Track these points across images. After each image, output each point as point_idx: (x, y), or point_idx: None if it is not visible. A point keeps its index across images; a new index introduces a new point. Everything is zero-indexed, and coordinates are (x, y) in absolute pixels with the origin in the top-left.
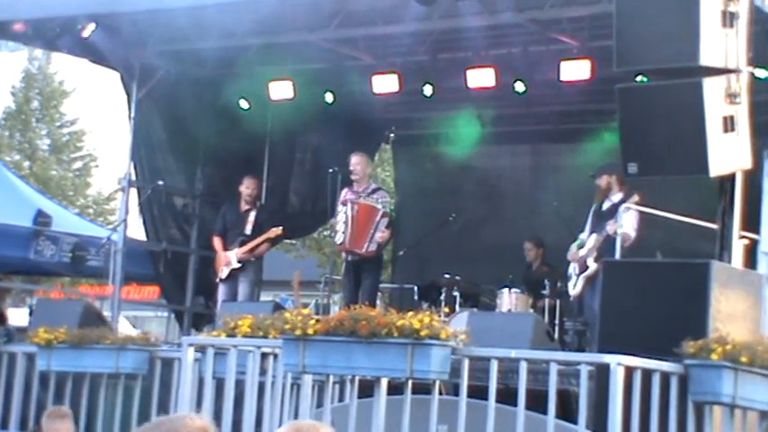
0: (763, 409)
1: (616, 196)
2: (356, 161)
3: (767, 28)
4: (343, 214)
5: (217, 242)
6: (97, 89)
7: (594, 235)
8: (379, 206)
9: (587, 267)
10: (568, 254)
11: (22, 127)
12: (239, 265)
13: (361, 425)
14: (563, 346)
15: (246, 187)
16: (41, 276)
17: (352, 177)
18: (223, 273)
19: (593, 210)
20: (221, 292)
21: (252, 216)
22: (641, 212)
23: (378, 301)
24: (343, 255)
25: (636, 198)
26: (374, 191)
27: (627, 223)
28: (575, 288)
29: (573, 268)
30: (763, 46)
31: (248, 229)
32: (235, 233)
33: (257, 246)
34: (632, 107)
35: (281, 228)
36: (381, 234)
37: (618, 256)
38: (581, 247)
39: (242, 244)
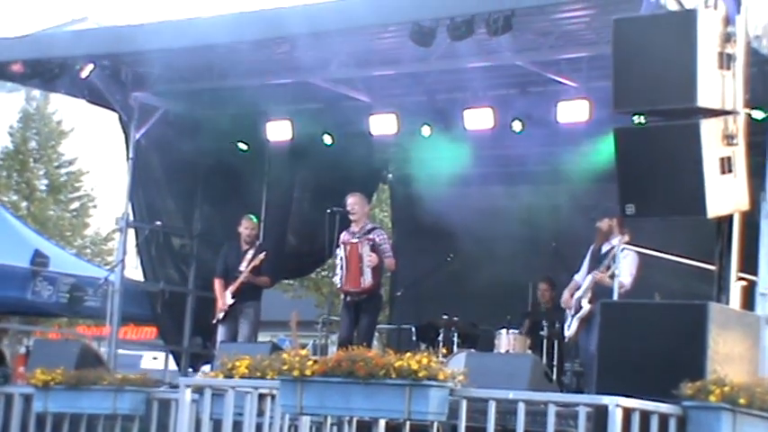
0: None
1: (616, 239)
2: (353, 202)
3: (764, 70)
4: (339, 258)
5: (218, 284)
6: (95, 129)
7: (591, 276)
8: (356, 240)
9: (581, 308)
10: (561, 299)
11: (20, 167)
12: (233, 300)
13: None
14: (561, 388)
15: (245, 228)
16: (39, 317)
17: (351, 218)
18: (221, 313)
19: (591, 250)
20: (220, 332)
21: (250, 255)
22: (640, 255)
23: (375, 342)
24: (342, 296)
25: (626, 238)
26: (370, 230)
27: (624, 270)
28: (569, 329)
29: (570, 309)
30: (759, 87)
31: (244, 267)
32: (235, 274)
33: (252, 273)
34: (630, 148)
35: (263, 253)
36: (368, 259)
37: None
38: (574, 291)
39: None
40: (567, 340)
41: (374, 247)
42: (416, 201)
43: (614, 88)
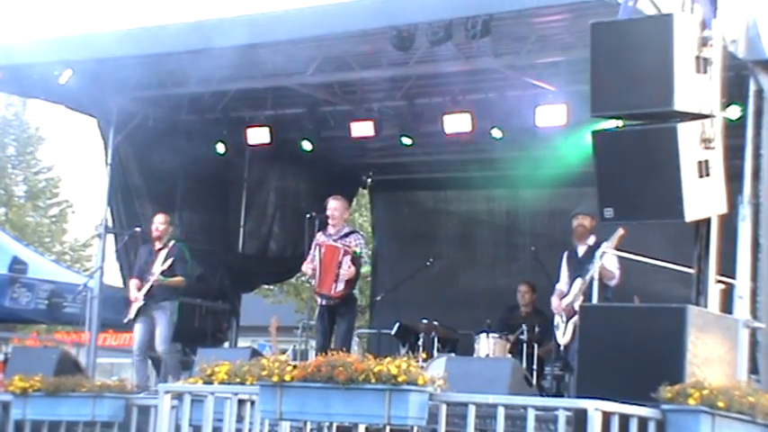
0: None
1: (591, 239)
2: (334, 206)
3: (741, 74)
4: (313, 258)
5: (131, 284)
6: (73, 135)
7: (579, 279)
8: (340, 245)
9: (575, 313)
10: (552, 306)
11: None
12: (144, 301)
13: None
14: (541, 392)
15: (153, 224)
16: (17, 323)
17: (329, 222)
18: (132, 312)
19: (566, 256)
20: (137, 332)
21: (163, 255)
22: (620, 258)
23: (355, 347)
24: (318, 299)
25: (619, 235)
26: (347, 234)
27: (611, 264)
28: (564, 336)
29: (560, 316)
30: (736, 91)
31: (156, 269)
32: (147, 276)
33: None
34: (608, 151)
35: (171, 259)
36: (346, 271)
37: (596, 299)
38: (561, 298)
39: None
40: (561, 348)
41: (354, 259)
42: (396, 205)
43: (592, 92)
